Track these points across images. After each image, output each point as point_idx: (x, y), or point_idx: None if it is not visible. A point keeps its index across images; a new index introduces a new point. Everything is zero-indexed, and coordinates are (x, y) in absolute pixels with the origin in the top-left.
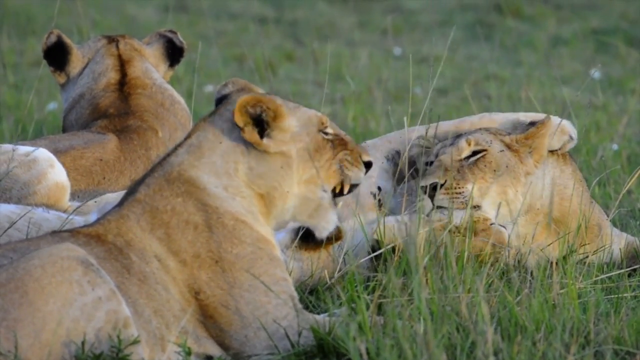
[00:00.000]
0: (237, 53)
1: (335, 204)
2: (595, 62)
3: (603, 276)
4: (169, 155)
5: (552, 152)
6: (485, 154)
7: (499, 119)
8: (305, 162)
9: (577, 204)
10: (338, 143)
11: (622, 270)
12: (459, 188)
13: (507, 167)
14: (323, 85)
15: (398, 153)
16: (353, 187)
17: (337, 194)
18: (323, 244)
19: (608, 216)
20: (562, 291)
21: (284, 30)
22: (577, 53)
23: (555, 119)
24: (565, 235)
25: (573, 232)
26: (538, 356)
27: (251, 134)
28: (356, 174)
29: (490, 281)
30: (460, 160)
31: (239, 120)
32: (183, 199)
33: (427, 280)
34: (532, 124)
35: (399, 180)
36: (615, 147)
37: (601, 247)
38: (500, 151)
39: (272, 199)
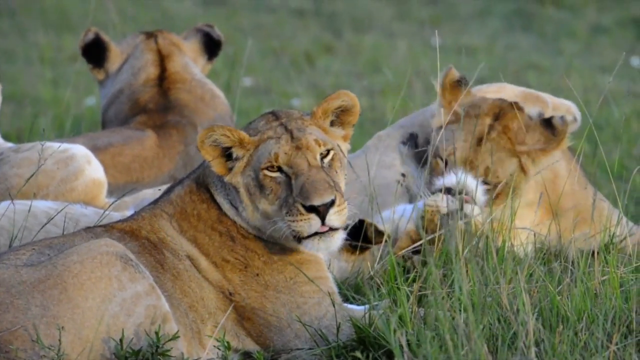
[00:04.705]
0: (275, 46)
1: (299, 240)
2: (636, 50)
3: None
4: None
5: None
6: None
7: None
8: (247, 197)
9: (569, 184)
10: (285, 185)
11: None
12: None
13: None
14: (362, 77)
15: (412, 135)
16: (329, 231)
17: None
18: (359, 247)
19: None
20: (604, 278)
21: (322, 22)
22: (617, 41)
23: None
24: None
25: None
26: (580, 346)
27: (218, 166)
28: (303, 227)
29: (531, 271)
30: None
31: (205, 156)
32: (207, 206)
33: (467, 271)
34: (547, 121)
35: (422, 160)
36: None
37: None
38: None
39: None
